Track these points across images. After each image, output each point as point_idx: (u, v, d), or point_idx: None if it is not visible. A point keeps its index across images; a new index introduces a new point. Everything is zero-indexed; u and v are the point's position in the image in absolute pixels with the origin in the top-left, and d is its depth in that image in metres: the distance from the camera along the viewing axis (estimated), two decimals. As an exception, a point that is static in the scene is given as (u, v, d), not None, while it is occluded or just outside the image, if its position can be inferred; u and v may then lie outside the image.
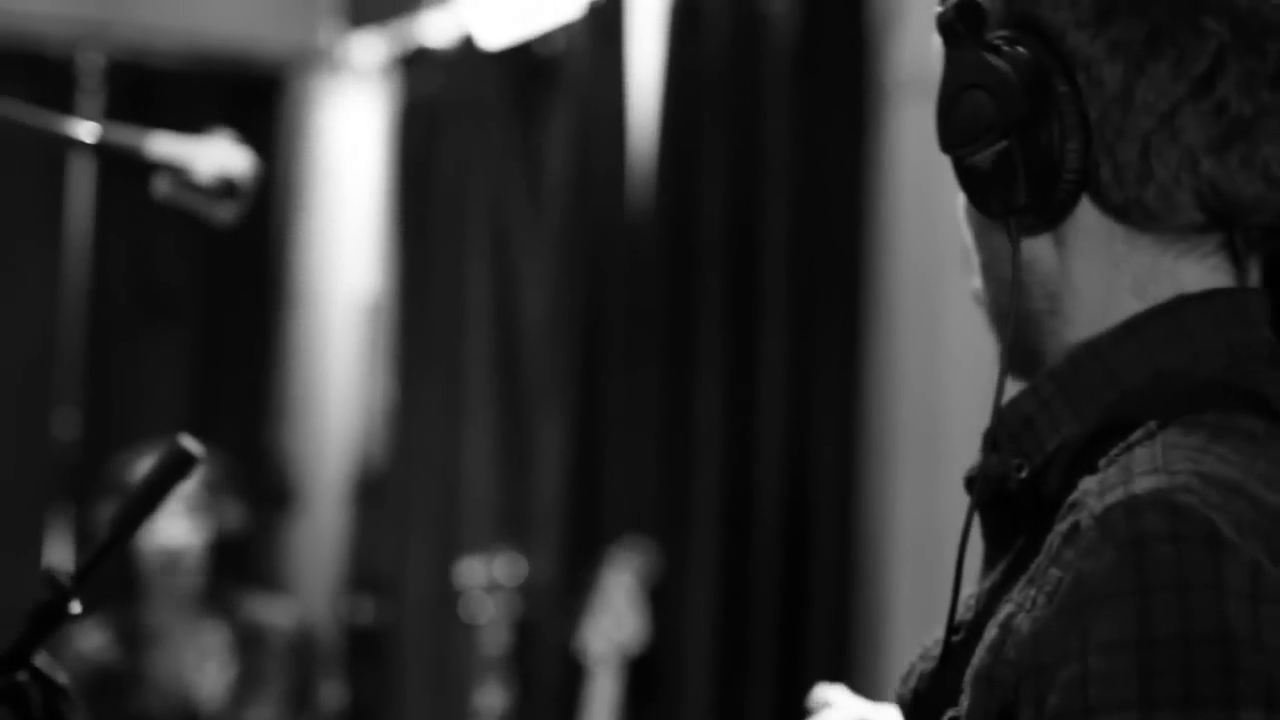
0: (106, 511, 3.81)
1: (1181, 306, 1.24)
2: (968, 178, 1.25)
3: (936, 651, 1.29)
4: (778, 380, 3.47)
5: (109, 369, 5.06)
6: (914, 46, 3.32)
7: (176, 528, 3.75)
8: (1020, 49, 1.23)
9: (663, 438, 3.80)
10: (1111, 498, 1.10)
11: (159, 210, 2.04)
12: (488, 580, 4.15)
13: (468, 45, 4.64)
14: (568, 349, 4.18)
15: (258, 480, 5.21)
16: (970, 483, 1.29)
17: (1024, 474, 1.24)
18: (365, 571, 5.17)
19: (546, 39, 4.40)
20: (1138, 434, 1.16)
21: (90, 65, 4.94)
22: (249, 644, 3.82)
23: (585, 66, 4.13)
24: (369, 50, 5.18)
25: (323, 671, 3.96)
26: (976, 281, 1.32)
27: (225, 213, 1.97)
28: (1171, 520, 1.08)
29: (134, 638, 3.82)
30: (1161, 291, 1.25)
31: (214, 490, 3.81)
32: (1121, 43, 1.21)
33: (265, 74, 5.29)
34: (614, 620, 3.68)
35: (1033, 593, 1.12)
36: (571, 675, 3.84)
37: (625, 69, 4.01)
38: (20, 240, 4.96)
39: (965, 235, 1.32)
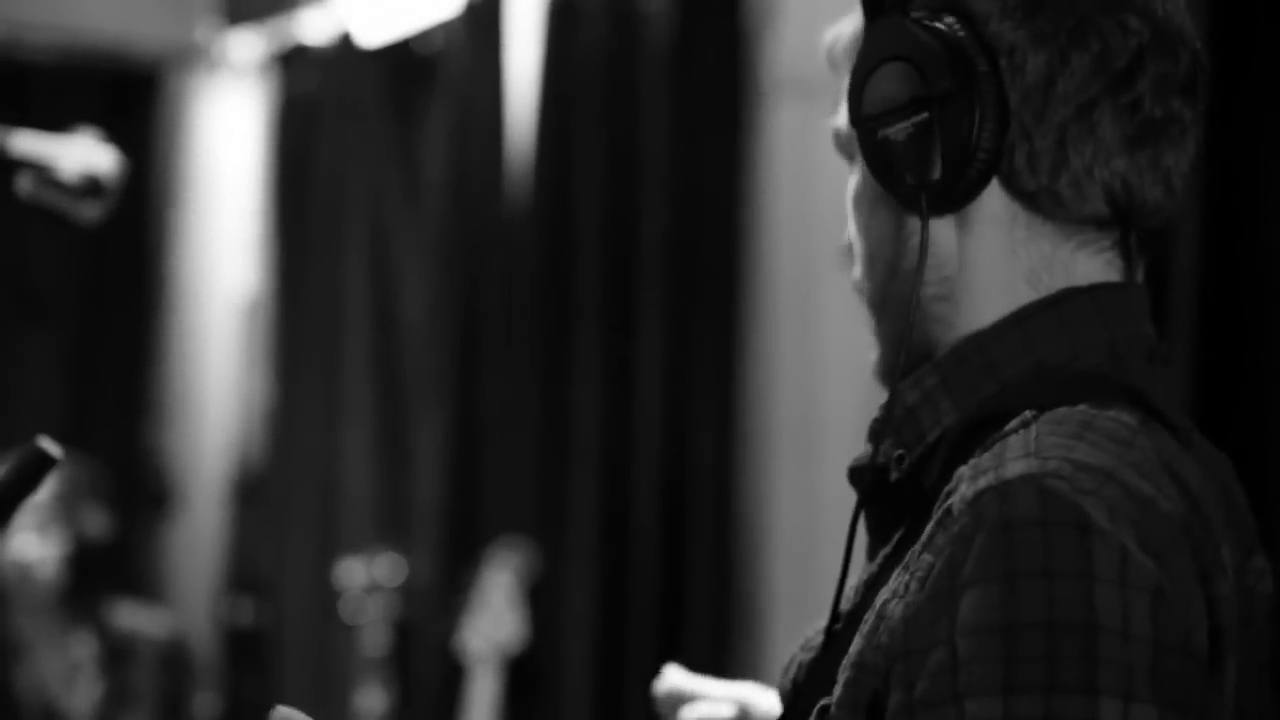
0: None
1: (1066, 300, 1.24)
2: (879, 151, 1.24)
3: (817, 642, 1.29)
4: (655, 379, 3.47)
5: (-17, 370, 4.99)
6: (791, 45, 3.33)
7: (27, 541, 3.66)
8: (946, 25, 1.22)
9: (541, 437, 3.79)
10: (983, 482, 1.10)
11: (31, 209, 2.02)
12: (367, 581, 4.13)
13: (346, 43, 4.61)
14: (446, 348, 4.16)
15: (135, 482, 5.16)
16: (854, 474, 1.29)
17: (904, 464, 1.24)
18: (244, 573, 5.13)
19: (425, 37, 4.39)
20: (1013, 423, 1.16)
21: (-40, 62, 4.87)
22: (118, 656, 3.74)
23: (463, 65, 4.12)
24: (246, 48, 5.14)
25: (196, 682, 3.89)
26: (858, 270, 1.31)
27: (90, 211, 1.93)
28: (1041, 505, 1.08)
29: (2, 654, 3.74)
30: (1055, 281, 1.25)
31: (69, 500, 3.71)
32: (1046, 33, 1.22)
33: (142, 71, 5.23)
34: (493, 620, 3.67)
35: (906, 578, 1.13)
36: (451, 675, 3.82)
37: (503, 67, 4.00)
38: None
39: (850, 222, 1.31)
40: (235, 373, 5.25)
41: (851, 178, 1.31)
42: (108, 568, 3.80)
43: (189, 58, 5.24)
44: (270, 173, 5.05)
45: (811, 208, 3.28)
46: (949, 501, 1.12)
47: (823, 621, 1.30)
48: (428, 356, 4.28)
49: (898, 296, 1.27)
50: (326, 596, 4.40)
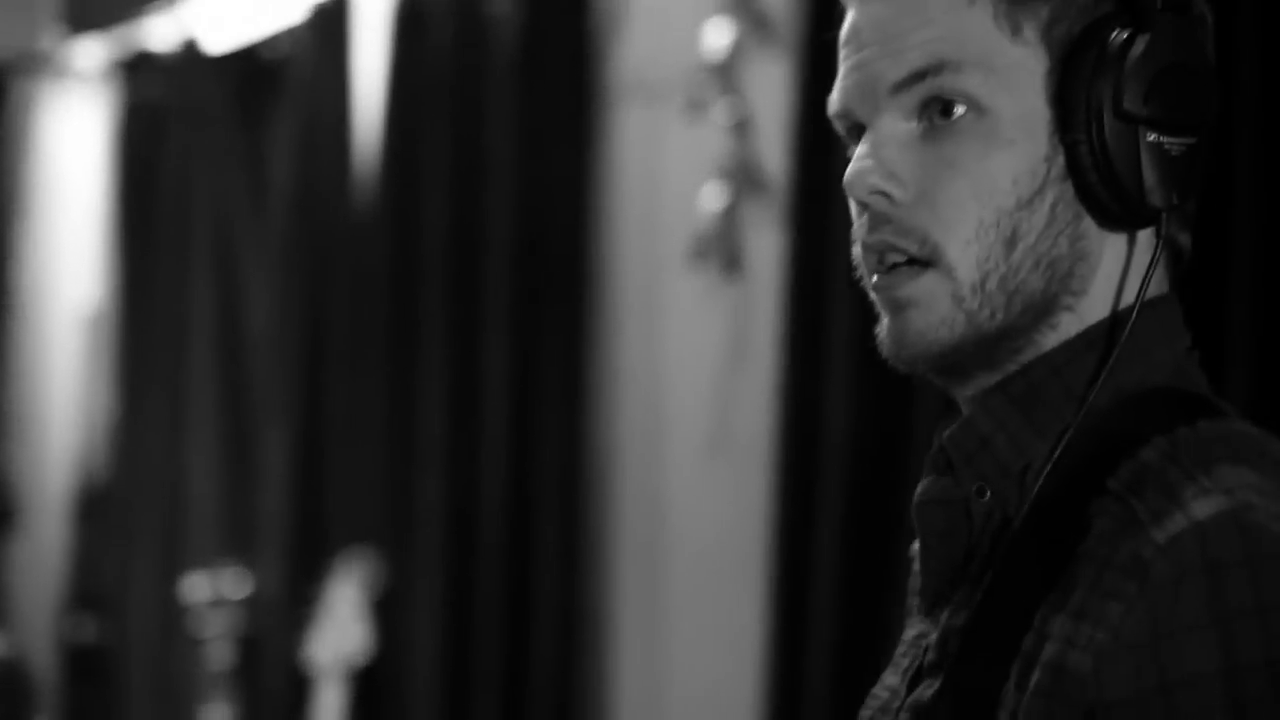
0: None
1: (1137, 318, 1.20)
2: (1137, 154, 1.17)
3: (898, 703, 1.23)
4: (501, 388, 3.45)
5: None
6: (637, 50, 3.32)
7: None
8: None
9: (387, 448, 3.76)
10: (1174, 526, 1.07)
11: None
12: (212, 595, 4.07)
13: (191, 50, 4.55)
14: (292, 358, 4.11)
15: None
16: (921, 508, 1.23)
17: (986, 497, 1.20)
18: (87, 589, 5.05)
19: (271, 43, 4.33)
20: (1147, 452, 1.13)
21: None
22: None
23: (309, 71, 4.08)
24: (91, 55, 5.06)
25: (34, 704, 3.80)
26: (946, 232, 1.19)
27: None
28: (1244, 543, 1.06)
29: None
30: (1148, 294, 1.21)
31: None
32: (1208, 52, 1.23)
33: (-16, 78, 5.14)
34: (339, 632, 3.63)
35: (1087, 629, 1.07)
36: (298, 688, 3.78)
37: (349, 73, 3.96)
38: None
39: (994, 191, 1.18)
40: (79, 385, 5.16)
41: (954, 140, 1.19)
42: None
43: (32, 65, 5.15)
44: (115, 181, 4.97)
45: (658, 213, 3.27)
46: (1133, 546, 1.07)
47: (891, 677, 1.26)
48: (273, 366, 4.23)
49: (1036, 294, 1.19)
50: (171, 611, 4.33)
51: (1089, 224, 1.19)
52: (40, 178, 5.23)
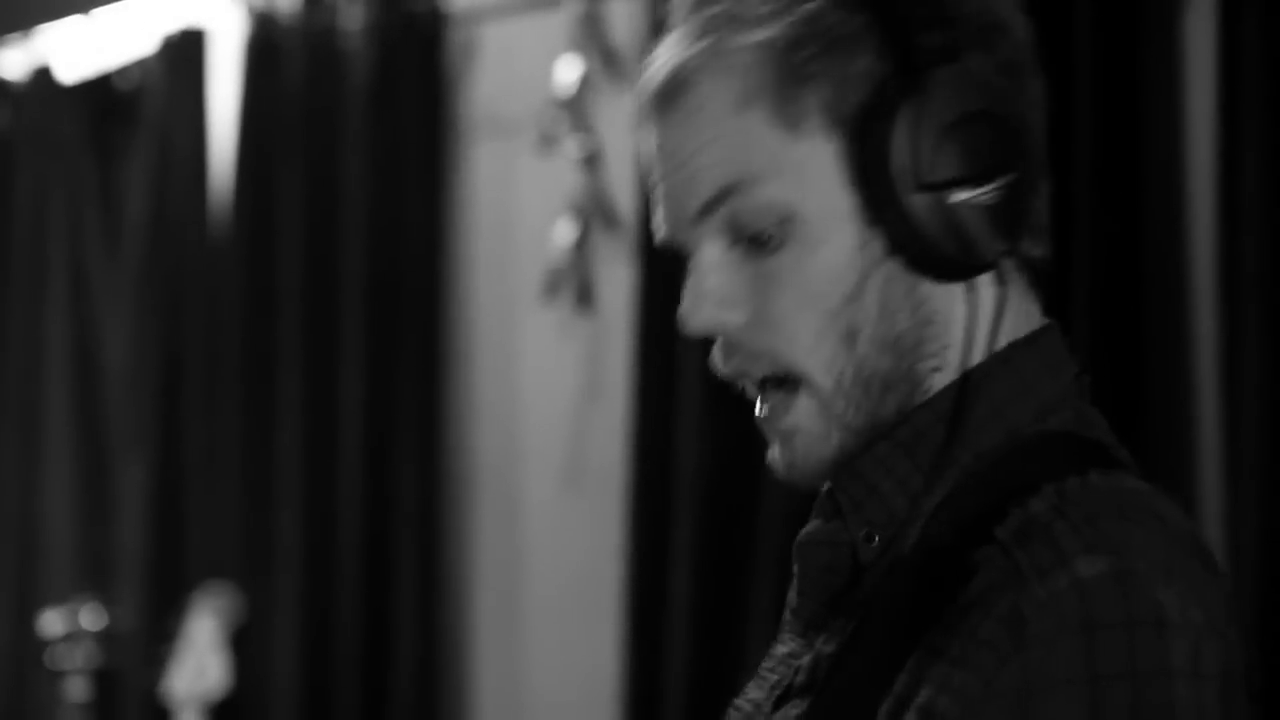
0: None
1: (1016, 355, 1.21)
2: (946, 221, 1.15)
3: (762, 718, 1.24)
4: (357, 421, 3.45)
5: None
6: (489, 85, 3.35)
7: None
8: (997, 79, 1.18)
9: (244, 481, 3.75)
10: (1056, 582, 1.07)
11: None
12: (69, 629, 4.04)
13: (44, 78, 4.51)
14: (148, 392, 4.09)
15: None
16: (803, 549, 1.24)
17: (875, 543, 1.20)
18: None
19: (124, 73, 4.30)
20: (1036, 503, 1.12)
21: None
22: None
23: (162, 102, 4.05)
24: (-59, 83, 5.00)
25: None
26: (797, 352, 1.19)
27: None
28: (1125, 605, 1.06)
29: None
30: (1020, 330, 1.22)
31: None
32: (1028, 87, 1.21)
33: None
34: (197, 666, 3.61)
35: (960, 675, 1.08)
36: (156, 723, 3.76)
37: (204, 105, 3.94)
38: None
39: (784, 303, 1.18)
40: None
41: (770, 254, 1.18)
42: None
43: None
44: (-33, 212, 4.92)
45: (511, 246, 3.29)
46: (1013, 599, 1.07)
47: (754, 691, 1.27)
48: (130, 400, 4.20)
49: (891, 375, 1.19)
50: (29, 646, 4.29)
51: (929, 287, 1.18)
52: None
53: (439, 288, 3.37)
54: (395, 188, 3.42)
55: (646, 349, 2.82)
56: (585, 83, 3.02)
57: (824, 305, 1.17)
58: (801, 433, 1.20)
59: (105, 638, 4.03)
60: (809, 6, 1.16)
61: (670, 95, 1.19)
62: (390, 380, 3.44)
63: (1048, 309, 1.25)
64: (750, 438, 2.49)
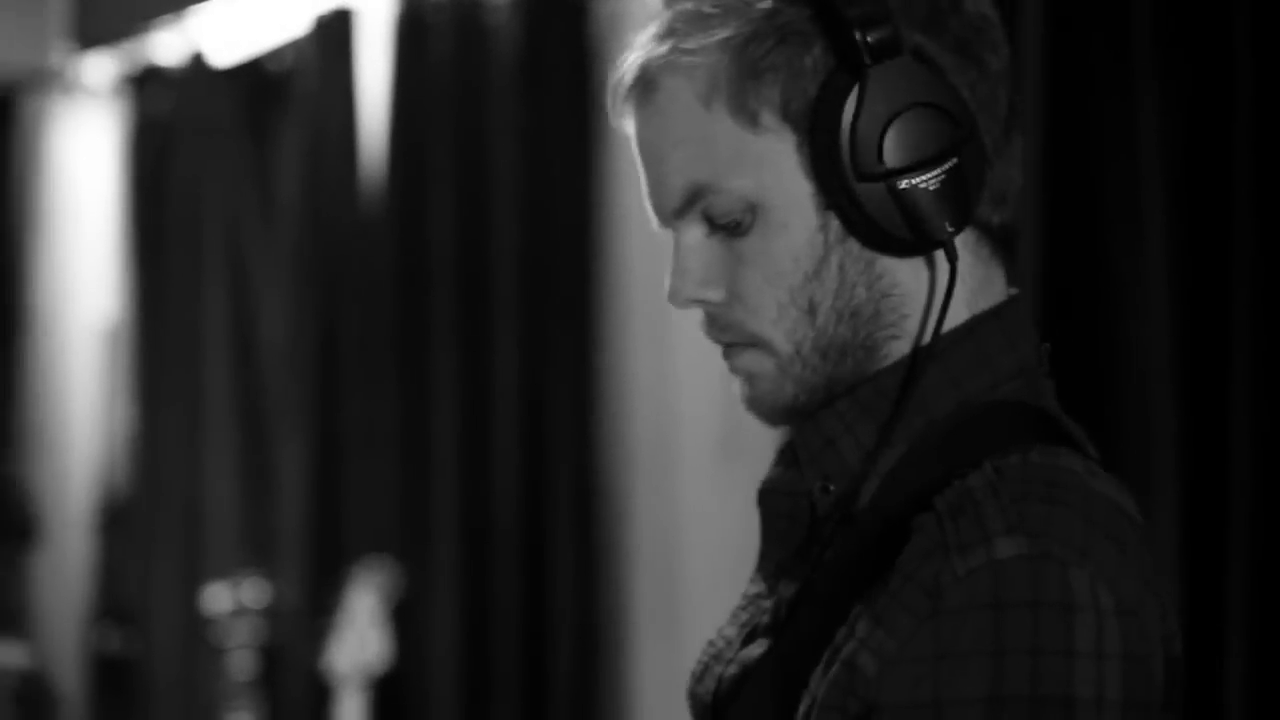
0: None
1: (978, 327, 1.29)
2: (900, 205, 1.23)
3: (732, 654, 1.34)
4: (512, 394, 3.46)
5: None
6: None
7: None
8: (938, 69, 1.25)
9: (402, 456, 3.77)
10: (974, 559, 1.15)
11: None
12: (233, 605, 4.10)
13: (198, 63, 4.57)
14: (305, 369, 4.14)
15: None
16: (765, 495, 1.33)
17: (830, 493, 1.28)
18: (111, 601, 5.08)
19: (276, 56, 4.35)
20: (975, 478, 1.20)
21: None
22: None
23: (314, 83, 4.09)
24: (101, 70, 5.09)
25: (56, 716, 3.81)
26: (764, 322, 1.28)
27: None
28: (1033, 586, 1.14)
29: None
30: (985, 301, 1.30)
31: None
32: (981, 60, 1.27)
33: (-6, 95, 5.17)
34: (358, 641, 3.65)
35: (880, 634, 1.16)
36: (318, 697, 3.80)
37: (354, 84, 3.97)
38: None
39: (752, 278, 1.28)
40: (97, 399, 5.19)
41: (741, 238, 1.28)
42: None
43: (42, 81, 5.18)
44: (127, 196, 5.00)
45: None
46: (935, 570, 1.15)
47: (728, 628, 1.35)
48: (288, 377, 4.25)
49: (850, 343, 1.28)
50: (193, 622, 4.36)
51: (887, 262, 1.27)
52: (52, 194, 5.26)
53: (591, 260, 3.37)
54: (546, 162, 3.42)
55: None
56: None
57: (787, 282, 1.27)
58: (755, 377, 1.30)
59: (268, 613, 4.09)
60: (764, 4, 1.25)
61: (640, 93, 1.29)
62: (544, 353, 3.44)
63: (1012, 278, 1.33)
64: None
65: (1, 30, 5.13)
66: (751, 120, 1.26)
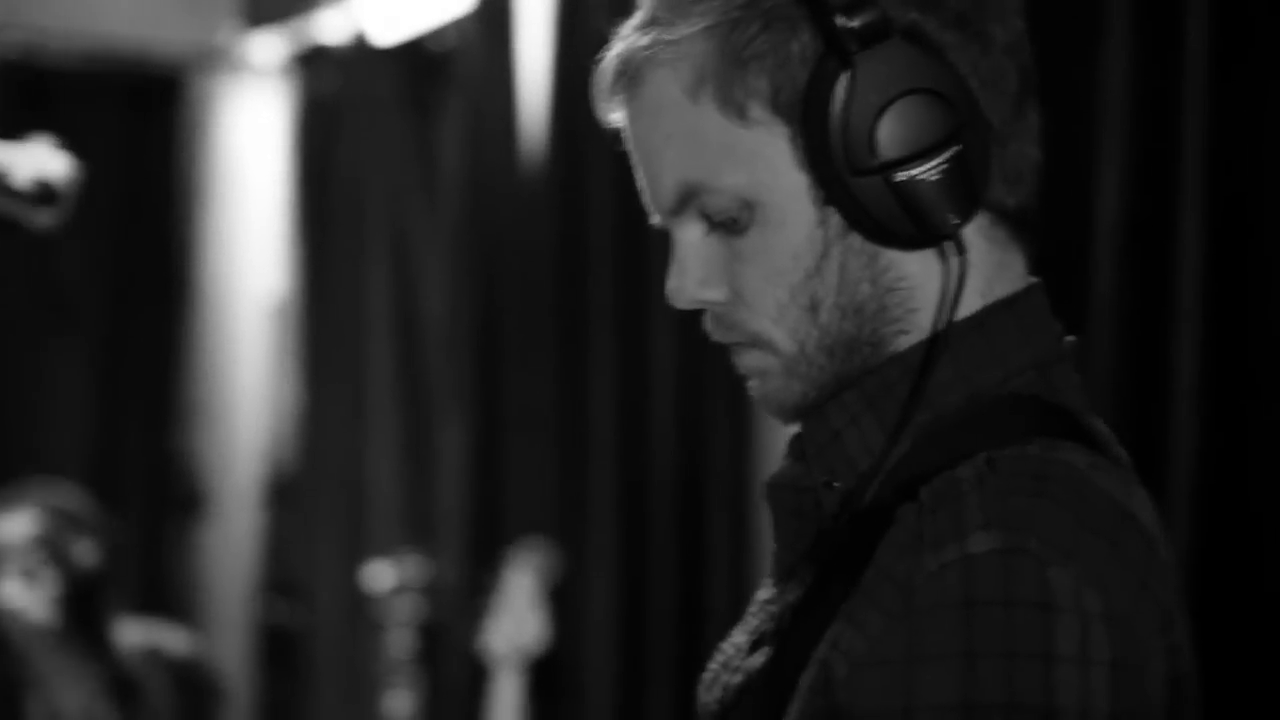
0: None
1: (990, 319, 1.22)
2: (899, 198, 1.16)
3: (739, 662, 1.27)
4: (670, 375, 3.44)
5: (10, 378, 5.00)
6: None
7: (12, 588, 3.59)
8: (935, 49, 1.18)
9: (560, 436, 3.77)
10: (946, 555, 1.07)
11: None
12: (395, 583, 4.12)
13: (362, 43, 4.59)
14: (467, 348, 4.14)
15: (166, 486, 5.17)
16: (774, 490, 1.28)
17: (834, 489, 1.23)
18: (278, 575, 5.14)
19: (438, 34, 4.36)
20: (965, 469, 1.13)
21: (-19, 68, 4.87)
22: (130, 685, 3.69)
23: (476, 62, 4.09)
24: (268, 49, 5.13)
25: (218, 698, 3.85)
26: (764, 322, 1.23)
27: (43, 219, 1.90)
28: (1006, 584, 1.06)
29: (8, 684, 3.69)
30: (1001, 289, 1.23)
31: (53, 540, 3.64)
32: (985, 34, 1.20)
33: (164, 74, 5.22)
34: (515, 621, 3.65)
35: (850, 635, 1.09)
36: (476, 677, 3.81)
37: (515, 63, 3.97)
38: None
39: (751, 279, 1.23)
40: (265, 375, 5.24)
41: (738, 236, 1.22)
42: (112, 593, 3.74)
43: (211, 60, 5.23)
44: (293, 174, 5.05)
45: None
46: (907, 566, 1.08)
47: (741, 636, 1.30)
48: (449, 355, 4.26)
49: (856, 339, 1.22)
50: (355, 598, 4.39)
51: (893, 256, 1.21)
52: (221, 172, 5.32)
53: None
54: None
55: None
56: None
57: (788, 280, 1.21)
58: (760, 377, 1.26)
59: (428, 591, 4.10)
60: None
61: (625, 87, 1.25)
62: (702, 336, 3.41)
63: (1035, 265, 1.26)
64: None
65: (171, 10, 5.19)
66: (740, 112, 1.20)
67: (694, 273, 1.26)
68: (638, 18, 1.25)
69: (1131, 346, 2.33)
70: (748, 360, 1.27)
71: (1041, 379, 1.22)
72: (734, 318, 1.25)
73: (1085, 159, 2.39)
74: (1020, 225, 1.24)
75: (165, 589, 5.12)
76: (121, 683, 3.69)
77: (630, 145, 1.27)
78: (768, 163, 1.20)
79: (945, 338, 1.19)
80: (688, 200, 1.24)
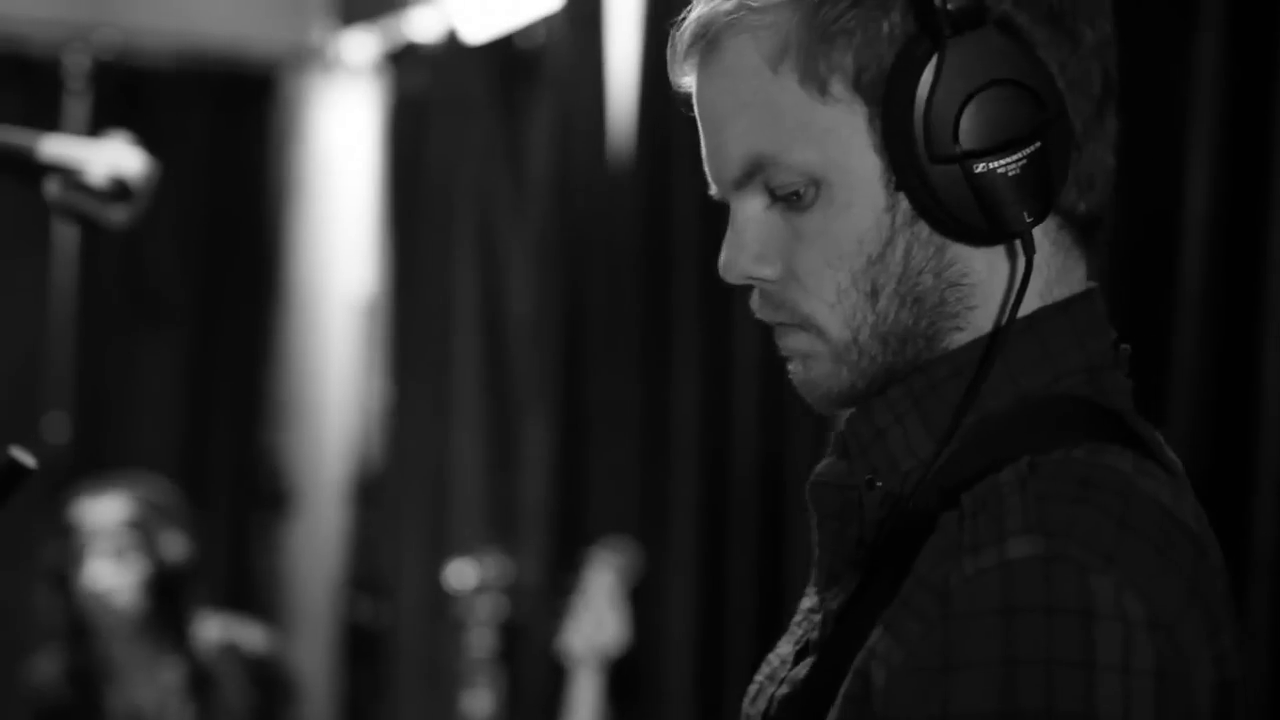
0: (50, 554, 3.73)
1: (1043, 320, 1.19)
2: (976, 190, 1.14)
3: (785, 673, 1.24)
4: (752, 377, 3.42)
5: (102, 372, 5.03)
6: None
7: (102, 569, 3.63)
8: (1026, 42, 1.15)
9: (643, 437, 3.75)
10: (985, 560, 1.05)
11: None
12: (476, 581, 4.11)
13: (452, 41, 4.59)
14: (551, 346, 4.13)
15: (254, 482, 5.19)
16: (816, 489, 1.24)
17: (876, 489, 1.20)
18: (363, 572, 5.15)
19: (528, 32, 4.36)
20: (1008, 472, 1.10)
21: (77, 67, 4.90)
22: (207, 678, 3.72)
23: (565, 60, 4.08)
24: (359, 48, 5.15)
25: (291, 696, 3.86)
26: (822, 306, 1.20)
27: (118, 215, 1.90)
28: (1047, 590, 1.03)
29: (88, 675, 3.72)
30: (1061, 291, 1.21)
31: (145, 526, 3.68)
32: (1076, 34, 1.17)
33: (257, 73, 5.25)
34: (595, 621, 3.62)
35: (888, 641, 1.07)
36: (556, 676, 3.79)
37: (604, 61, 3.95)
38: (8, 244, 4.93)
39: (812, 259, 1.20)
40: (352, 372, 5.26)
41: (801, 213, 1.19)
42: (196, 587, 3.77)
43: (304, 59, 5.26)
44: (384, 172, 5.06)
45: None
46: (945, 571, 1.06)
47: (784, 647, 1.27)
48: (534, 354, 4.25)
49: (911, 330, 1.19)
50: (438, 596, 4.39)
51: (959, 249, 1.18)
52: (313, 170, 5.34)
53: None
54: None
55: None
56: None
57: (849, 265, 1.18)
58: (807, 360, 1.22)
59: (510, 590, 4.09)
60: None
61: (703, 51, 1.21)
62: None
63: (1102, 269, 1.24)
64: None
65: (264, 10, 5.22)
66: (821, 88, 1.16)
67: (750, 247, 1.22)
68: None
69: (1218, 344, 2.28)
70: (793, 342, 1.23)
71: (1092, 383, 1.19)
72: (785, 297, 1.22)
73: (1175, 154, 2.35)
74: (1088, 231, 1.22)
75: (250, 585, 5.15)
76: (198, 677, 3.70)
77: (699, 111, 1.24)
78: (843, 142, 1.17)
79: (1004, 339, 1.16)
80: (754, 173, 1.20)
